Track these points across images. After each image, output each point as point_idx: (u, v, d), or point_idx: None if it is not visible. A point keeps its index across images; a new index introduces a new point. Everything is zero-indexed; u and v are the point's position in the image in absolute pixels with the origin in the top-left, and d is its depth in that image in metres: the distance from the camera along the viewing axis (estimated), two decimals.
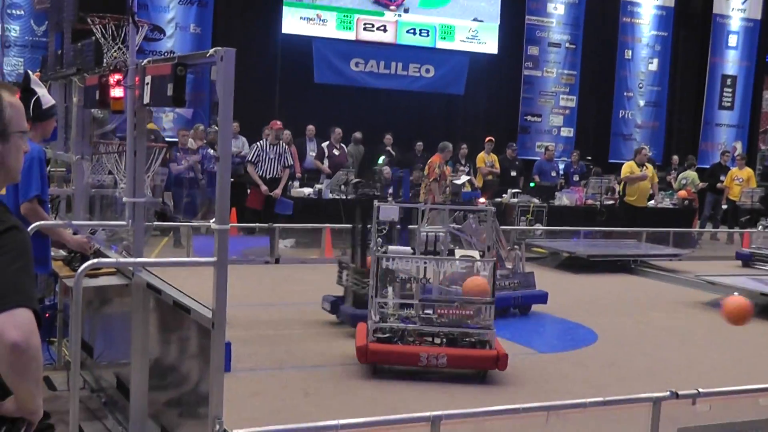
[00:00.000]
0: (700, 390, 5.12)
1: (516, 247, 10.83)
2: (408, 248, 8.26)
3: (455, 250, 8.52)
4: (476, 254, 8.25)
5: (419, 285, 7.66)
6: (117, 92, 5.32)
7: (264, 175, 14.00)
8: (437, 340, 7.29)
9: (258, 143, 14.33)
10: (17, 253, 2.24)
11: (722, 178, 19.06)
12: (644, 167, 16.36)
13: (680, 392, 5.03)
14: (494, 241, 9.82)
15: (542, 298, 10.28)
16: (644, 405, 4.94)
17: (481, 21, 20.67)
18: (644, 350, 8.71)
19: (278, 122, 14.51)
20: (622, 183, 16.59)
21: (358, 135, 17.66)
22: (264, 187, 13.86)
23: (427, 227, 8.44)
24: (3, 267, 2.20)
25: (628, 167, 16.49)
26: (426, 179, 15.28)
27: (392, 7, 19.79)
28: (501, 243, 10.21)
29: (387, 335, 7.22)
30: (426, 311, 7.39)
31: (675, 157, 21.56)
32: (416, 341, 7.25)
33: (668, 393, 4.97)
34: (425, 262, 7.81)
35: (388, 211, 7.95)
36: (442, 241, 8.14)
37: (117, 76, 5.30)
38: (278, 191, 13.91)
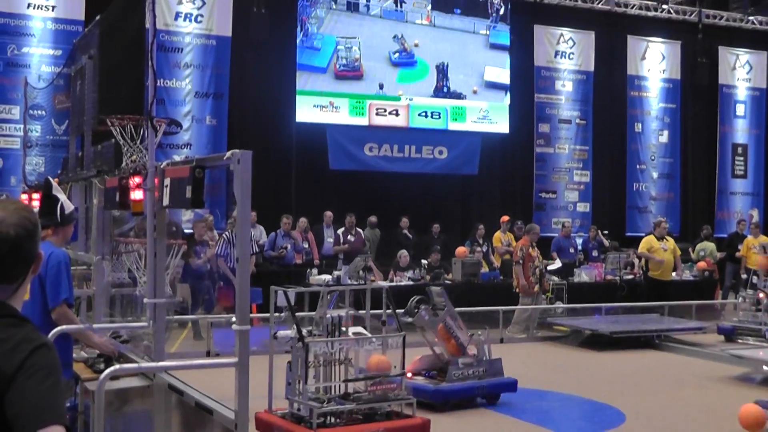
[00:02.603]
0: None
1: (479, 332, 10.12)
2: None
3: (349, 329, 7.97)
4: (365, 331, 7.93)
5: (344, 366, 7.41)
6: (137, 195, 5.34)
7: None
8: (360, 416, 7.16)
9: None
10: (48, 372, 2.27)
11: (740, 246, 18.91)
12: (664, 240, 16.19)
13: None
14: (453, 328, 9.64)
15: (511, 386, 9.70)
16: None
17: (491, 101, 20.81)
18: (676, 430, 8.52)
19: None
20: (644, 257, 16.41)
21: (373, 219, 17.67)
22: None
23: (330, 310, 8.02)
24: (35, 386, 2.23)
25: (647, 242, 16.24)
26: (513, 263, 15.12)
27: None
28: (460, 329, 9.75)
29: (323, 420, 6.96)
30: (353, 390, 7.31)
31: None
32: (341, 422, 7.03)
33: None
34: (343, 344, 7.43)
35: (282, 297, 7.76)
36: (344, 323, 7.74)
37: (137, 179, 5.33)
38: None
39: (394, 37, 19.90)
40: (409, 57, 20.06)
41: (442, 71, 20.31)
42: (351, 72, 19.55)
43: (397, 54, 19.96)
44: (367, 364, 7.47)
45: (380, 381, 7.23)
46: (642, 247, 16.31)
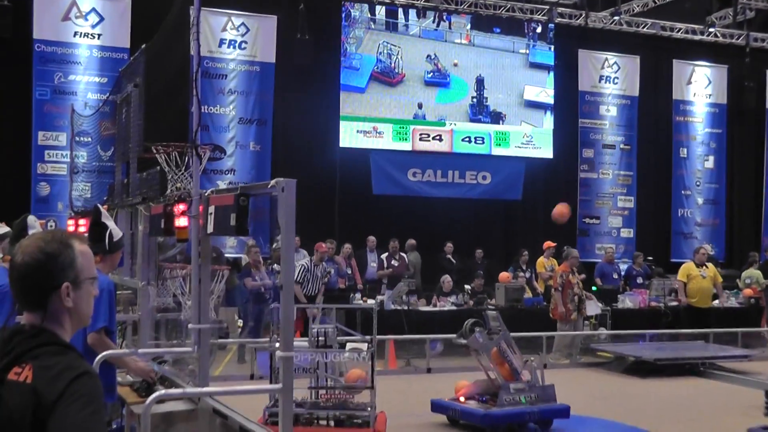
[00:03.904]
0: None
1: (532, 358, 10.23)
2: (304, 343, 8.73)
3: (347, 344, 8.97)
4: (364, 346, 8.77)
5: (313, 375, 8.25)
6: (182, 222, 5.45)
7: (309, 293, 14.05)
8: (326, 422, 8.10)
9: (303, 262, 14.39)
10: (89, 399, 2.32)
11: None
12: (704, 267, 16.04)
13: None
14: (507, 353, 9.66)
15: (563, 412, 9.64)
16: None
17: (531, 125, 20.84)
18: None
19: (324, 245, 14.67)
20: (682, 284, 16.28)
21: (412, 242, 17.63)
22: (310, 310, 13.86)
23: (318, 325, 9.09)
24: (75, 413, 2.29)
25: (686, 269, 16.09)
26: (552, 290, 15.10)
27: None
28: (514, 354, 9.79)
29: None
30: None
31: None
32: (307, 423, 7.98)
33: None
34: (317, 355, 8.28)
35: None
36: (331, 336, 8.45)
37: (182, 206, 5.44)
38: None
39: (428, 57, 20.04)
40: (443, 77, 20.18)
41: (481, 90, 20.39)
42: (390, 79, 19.73)
43: (431, 74, 20.07)
44: (346, 376, 8.36)
45: (341, 391, 8.17)
46: (681, 274, 16.15)
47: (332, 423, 8.09)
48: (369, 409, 8.13)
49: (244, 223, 4.64)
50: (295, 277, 14.13)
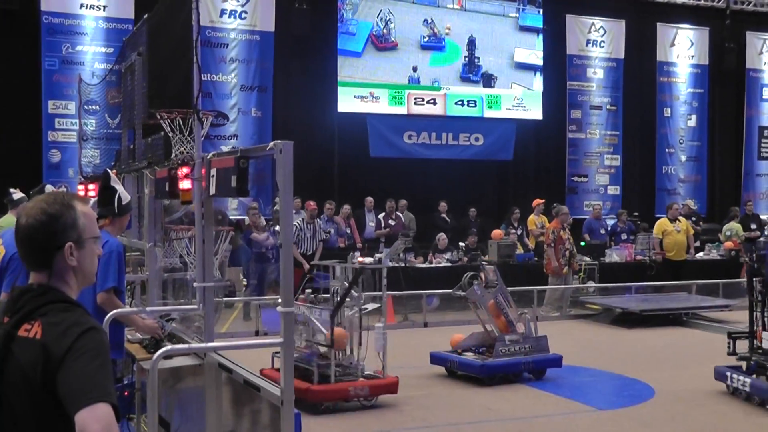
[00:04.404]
0: None
1: (525, 311, 10.40)
2: None
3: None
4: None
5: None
6: (185, 184, 5.39)
7: (304, 252, 14.04)
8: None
9: (296, 223, 14.34)
10: (96, 353, 2.32)
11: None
12: (677, 221, 16.25)
13: None
14: (504, 305, 9.70)
15: (556, 361, 9.79)
16: None
17: (522, 86, 20.73)
18: (702, 404, 8.47)
19: (312, 203, 14.60)
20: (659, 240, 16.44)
21: (403, 202, 17.48)
22: (306, 266, 13.80)
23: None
24: (83, 366, 2.29)
25: (661, 225, 16.44)
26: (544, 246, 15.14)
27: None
28: (510, 307, 9.88)
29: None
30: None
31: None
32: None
33: None
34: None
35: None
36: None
37: (185, 170, 5.38)
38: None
39: (425, 21, 19.87)
40: (438, 41, 20.03)
41: (472, 51, 20.25)
42: (386, 44, 19.58)
43: (427, 38, 19.93)
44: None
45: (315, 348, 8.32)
46: (656, 230, 16.44)
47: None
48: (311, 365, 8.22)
49: (244, 184, 4.59)
50: None
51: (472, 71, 20.29)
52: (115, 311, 5.52)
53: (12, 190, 8.03)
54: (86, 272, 2.57)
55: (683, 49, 22.98)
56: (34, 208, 2.50)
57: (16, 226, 2.53)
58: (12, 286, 2.60)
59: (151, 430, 4.95)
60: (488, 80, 20.43)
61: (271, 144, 4.33)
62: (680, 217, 16.50)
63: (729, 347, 8.86)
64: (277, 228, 13.82)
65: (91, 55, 16.82)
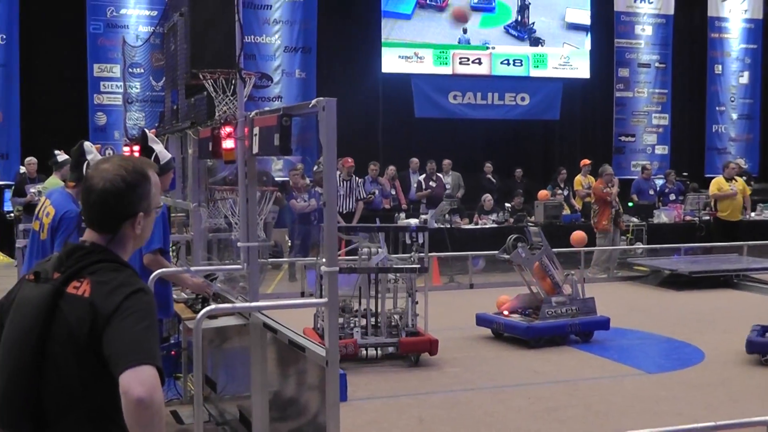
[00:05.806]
0: None
1: (572, 272, 10.20)
2: None
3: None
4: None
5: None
6: (228, 144, 5.35)
7: (342, 210, 13.98)
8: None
9: None
10: (143, 314, 2.32)
11: None
12: (733, 181, 15.80)
13: None
14: (549, 267, 9.57)
15: (603, 324, 9.60)
16: (759, 429, 4.68)
17: (572, 46, 20.41)
18: (754, 368, 8.31)
19: (350, 159, 14.47)
20: (713, 199, 16.05)
21: (446, 162, 17.34)
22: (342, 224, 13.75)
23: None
24: (129, 327, 2.29)
25: (716, 183, 15.92)
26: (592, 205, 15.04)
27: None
28: (556, 269, 9.72)
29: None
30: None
31: None
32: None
33: None
34: None
35: None
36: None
37: (228, 129, 5.34)
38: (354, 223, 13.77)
39: None
40: (488, 2, 19.77)
41: (523, 14, 19.96)
42: (436, 4, 19.39)
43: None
44: None
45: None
46: (711, 188, 15.98)
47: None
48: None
49: (287, 143, 4.53)
50: None
51: (521, 30, 20.02)
52: (161, 270, 5.54)
53: (57, 152, 8.07)
54: (143, 238, 2.61)
55: (735, 3, 22.47)
56: (111, 172, 2.48)
57: (89, 186, 2.49)
58: (64, 244, 2.61)
59: (197, 389, 4.97)
60: (536, 42, 20.15)
61: (314, 101, 4.26)
62: (737, 177, 16.08)
63: None
64: (318, 189, 13.81)
65: (135, 18, 16.89)
